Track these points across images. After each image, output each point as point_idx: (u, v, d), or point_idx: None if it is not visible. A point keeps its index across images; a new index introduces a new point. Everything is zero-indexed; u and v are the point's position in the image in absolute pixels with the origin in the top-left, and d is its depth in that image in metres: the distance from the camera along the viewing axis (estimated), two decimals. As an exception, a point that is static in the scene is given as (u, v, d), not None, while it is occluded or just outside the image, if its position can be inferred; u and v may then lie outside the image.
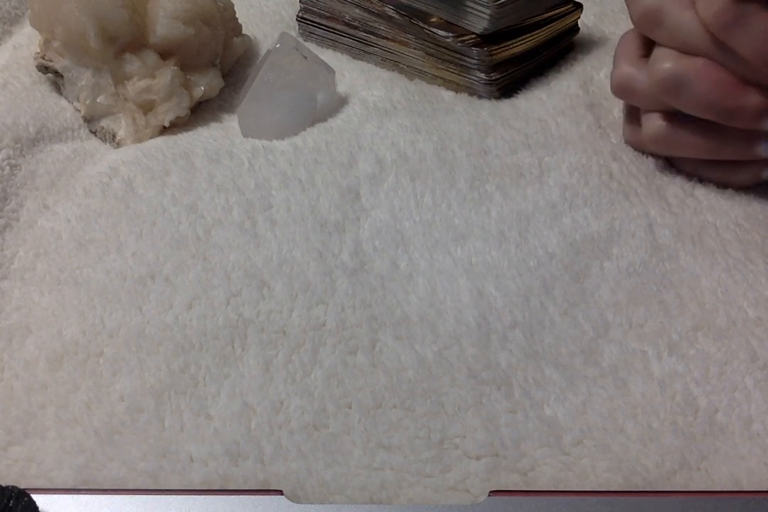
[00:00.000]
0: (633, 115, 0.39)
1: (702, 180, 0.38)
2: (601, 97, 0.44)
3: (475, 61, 0.43)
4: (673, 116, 0.36)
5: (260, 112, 0.41)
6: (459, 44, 0.43)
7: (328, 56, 0.47)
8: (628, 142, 0.40)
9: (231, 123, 0.43)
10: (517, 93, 0.45)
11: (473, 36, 0.43)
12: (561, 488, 0.27)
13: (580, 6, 0.47)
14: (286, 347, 0.31)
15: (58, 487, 0.26)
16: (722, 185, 0.38)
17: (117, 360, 0.30)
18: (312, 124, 0.42)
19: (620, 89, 0.38)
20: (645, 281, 0.33)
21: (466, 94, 0.45)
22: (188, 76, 0.42)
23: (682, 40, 0.34)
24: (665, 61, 0.35)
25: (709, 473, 0.27)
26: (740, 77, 0.34)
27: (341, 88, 0.45)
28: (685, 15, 0.34)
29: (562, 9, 0.46)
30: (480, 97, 0.44)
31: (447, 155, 0.39)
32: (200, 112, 0.44)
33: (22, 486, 0.24)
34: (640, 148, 0.40)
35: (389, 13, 0.45)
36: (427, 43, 0.45)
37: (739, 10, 0.32)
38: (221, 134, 0.42)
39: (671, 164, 0.39)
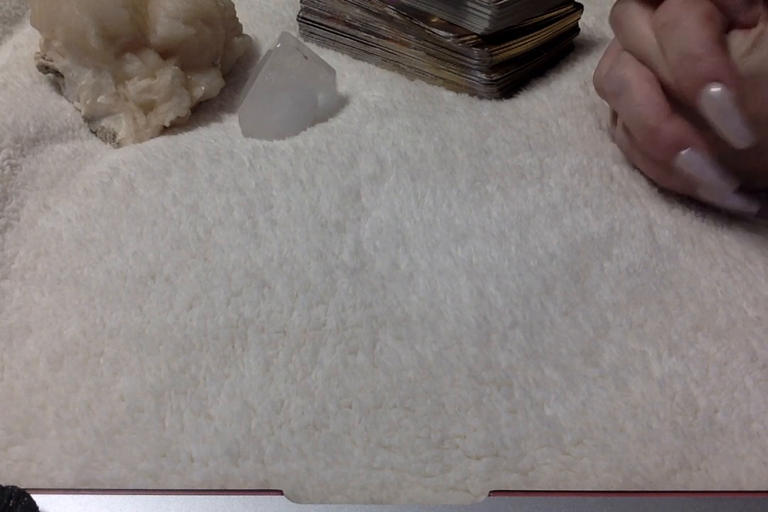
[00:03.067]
0: (613, 115, 0.40)
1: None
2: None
3: (475, 62, 0.43)
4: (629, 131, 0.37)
5: (261, 112, 0.41)
6: (460, 45, 0.43)
7: (329, 56, 0.47)
8: (615, 142, 0.41)
9: (231, 123, 0.43)
10: (518, 93, 0.45)
11: (474, 36, 0.43)
12: (561, 488, 0.27)
13: (580, 7, 0.47)
14: (286, 347, 0.31)
15: (58, 487, 0.26)
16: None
17: (117, 360, 0.30)
18: (313, 124, 0.42)
19: (597, 87, 0.39)
20: (645, 281, 0.33)
21: (466, 95, 0.45)
22: (189, 76, 0.42)
23: (633, 45, 0.35)
24: (619, 65, 0.35)
25: (709, 473, 0.27)
26: (673, 105, 0.33)
27: (342, 88, 0.45)
28: (640, 20, 0.34)
29: (562, 10, 0.46)
30: (481, 97, 0.44)
31: (448, 155, 0.39)
32: (201, 112, 0.44)
33: (22, 486, 0.24)
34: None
35: (390, 14, 0.45)
36: (428, 44, 0.45)
37: (676, 13, 0.32)
38: (222, 134, 0.42)
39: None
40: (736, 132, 0.31)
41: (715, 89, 0.31)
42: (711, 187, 0.33)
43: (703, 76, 0.31)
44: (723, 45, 0.32)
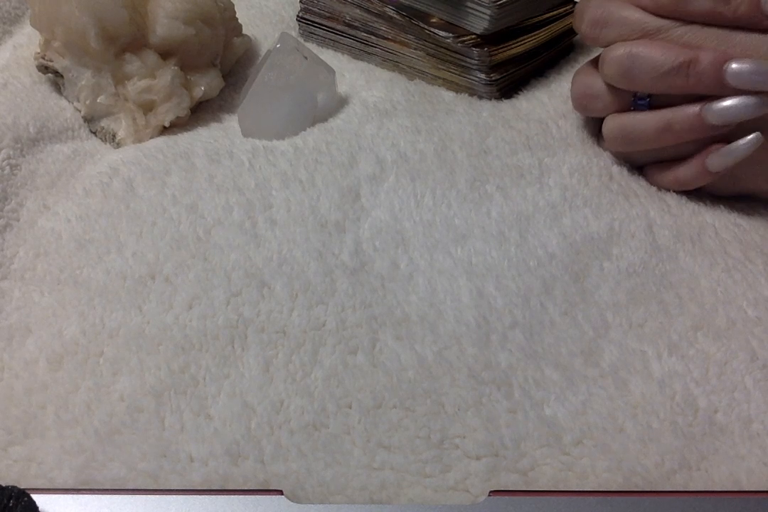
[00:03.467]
0: (598, 123, 0.40)
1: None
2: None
3: (475, 62, 0.43)
4: (625, 112, 0.37)
5: (260, 112, 0.41)
6: (459, 45, 0.43)
7: (329, 56, 0.47)
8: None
9: (231, 123, 0.43)
10: (518, 93, 0.45)
11: (473, 36, 0.43)
12: (561, 488, 0.27)
13: (580, 6, 0.47)
14: (286, 347, 0.31)
15: (58, 487, 0.26)
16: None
17: (117, 360, 0.30)
18: (312, 124, 0.42)
19: (578, 97, 0.39)
20: (645, 281, 0.33)
21: (466, 95, 0.45)
22: (188, 76, 0.42)
23: (628, 33, 0.36)
24: (613, 49, 0.36)
25: (709, 473, 0.27)
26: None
27: (341, 88, 0.45)
28: (627, 10, 0.36)
29: (562, 9, 0.46)
30: (480, 97, 0.44)
31: (447, 155, 0.39)
32: (200, 112, 0.44)
33: (22, 486, 0.24)
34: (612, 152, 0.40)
35: (390, 14, 0.45)
36: (428, 44, 0.45)
37: None
38: (221, 134, 0.42)
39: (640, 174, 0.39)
40: None
41: (736, 66, 0.33)
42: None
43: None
44: None
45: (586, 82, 0.38)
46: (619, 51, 0.36)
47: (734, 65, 0.33)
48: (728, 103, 0.34)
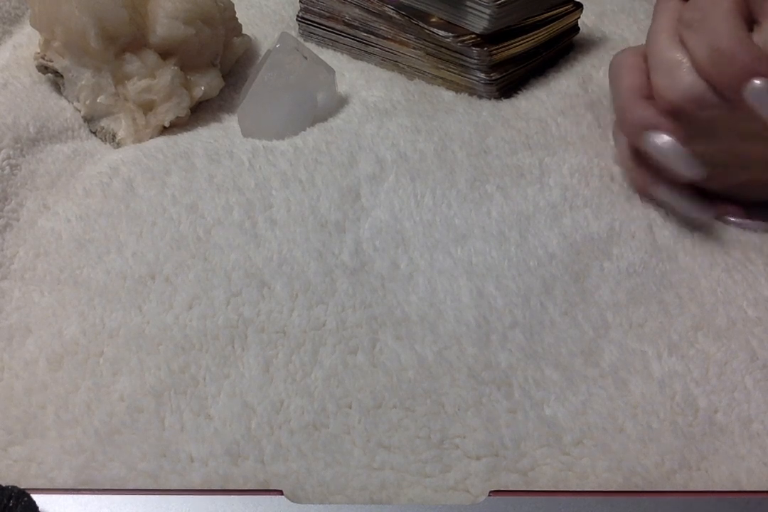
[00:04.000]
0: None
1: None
2: (601, 96, 0.44)
3: (475, 61, 0.43)
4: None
5: (260, 112, 0.41)
6: (459, 44, 0.43)
7: (328, 56, 0.47)
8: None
9: (231, 123, 0.43)
10: (518, 93, 0.45)
11: (473, 36, 0.43)
12: (561, 488, 0.27)
13: (580, 6, 0.47)
14: (286, 347, 0.31)
15: (58, 487, 0.26)
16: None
17: (117, 360, 0.30)
18: (312, 124, 0.42)
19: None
20: (645, 281, 0.33)
21: (466, 94, 0.45)
22: (188, 76, 0.42)
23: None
24: (626, 51, 0.37)
25: (709, 473, 0.27)
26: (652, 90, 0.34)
27: (341, 88, 0.45)
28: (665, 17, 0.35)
29: (562, 9, 0.46)
30: (480, 97, 0.44)
31: (447, 155, 0.39)
32: (200, 112, 0.44)
33: (22, 486, 0.24)
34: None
35: (389, 13, 0.45)
36: (427, 43, 0.45)
37: (702, 9, 0.32)
38: (221, 134, 0.42)
39: None
40: None
41: (760, 83, 0.31)
42: (678, 166, 0.33)
43: (745, 71, 0.31)
44: (750, 37, 0.32)
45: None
46: (617, 57, 0.36)
47: (652, 135, 0.33)
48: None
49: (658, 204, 0.37)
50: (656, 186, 0.35)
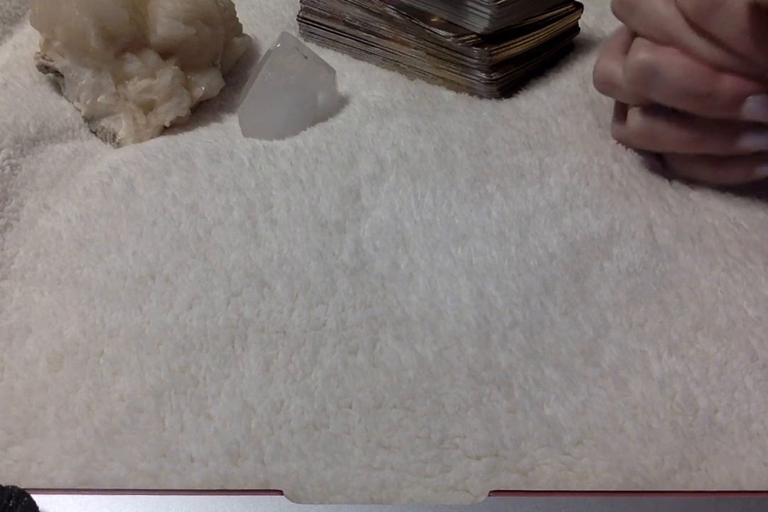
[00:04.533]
0: (619, 111, 0.39)
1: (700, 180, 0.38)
2: (601, 95, 0.44)
3: (475, 61, 0.43)
4: (655, 110, 0.36)
5: (261, 112, 0.41)
6: (459, 44, 0.43)
7: (329, 56, 0.47)
8: (615, 138, 0.40)
9: (231, 123, 0.43)
10: (518, 93, 0.45)
11: (474, 36, 0.43)
12: (561, 488, 0.27)
13: (580, 6, 0.47)
14: (286, 347, 0.31)
15: (58, 487, 0.26)
16: (721, 185, 0.38)
17: (117, 360, 0.30)
18: (312, 124, 0.42)
19: (600, 82, 0.38)
20: (645, 281, 0.33)
21: (466, 94, 0.45)
22: (189, 76, 0.42)
23: (654, 26, 0.34)
24: (639, 52, 0.35)
25: (709, 473, 0.27)
26: (713, 65, 0.33)
27: (342, 88, 0.45)
28: (657, 3, 0.34)
29: (562, 9, 0.46)
30: (480, 97, 0.44)
31: (447, 155, 0.39)
32: (201, 112, 0.44)
33: (22, 486, 0.24)
34: (627, 144, 0.40)
35: (390, 13, 0.45)
36: (428, 43, 0.45)
37: None
38: (222, 134, 0.42)
39: (665, 165, 0.39)
40: None
41: (754, 100, 0.32)
42: None
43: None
44: None
45: (608, 67, 0.37)
46: (642, 57, 0.34)
47: (751, 103, 0.33)
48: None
49: (659, 203, 0.37)
50: (752, 133, 0.34)
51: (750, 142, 0.34)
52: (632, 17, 0.36)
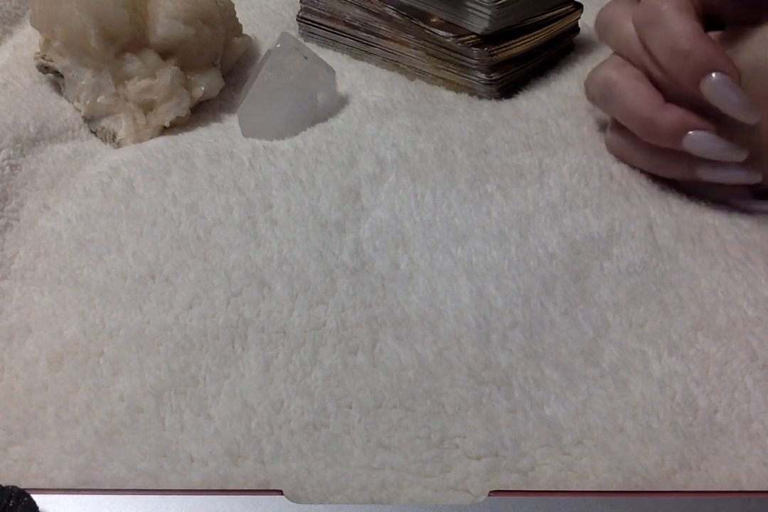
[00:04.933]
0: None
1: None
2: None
3: (475, 62, 0.43)
4: (623, 128, 0.37)
5: (260, 112, 0.41)
6: (459, 44, 0.43)
7: (329, 56, 0.47)
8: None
9: (231, 123, 0.43)
10: (518, 93, 0.45)
11: (473, 36, 0.43)
12: (561, 488, 0.27)
13: (580, 6, 0.47)
14: (286, 347, 0.31)
15: (58, 487, 0.26)
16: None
17: (117, 360, 0.30)
18: (312, 124, 0.42)
19: (586, 92, 0.39)
20: (645, 281, 0.33)
21: (466, 95, 0.45)
22: (188, 76, 0.42)
23: (622, 45, 0.36)
24: (605, 67, 0.36)
25: (709, 473, 0.27)
26: (666, 95, 0.34)
27: (342, 88, 0.45)
28: (625, 21, 0.35)
29: (562, 9, 0.46)
30: (480, 97, 0.44)
31: (447, 155, 0.39)
32: (201, 112, 0.44)
33: (22, 486, 0.24)
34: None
35: (390, 14, 0.45)
36: (428, 44, 0.45)
37: (653, 8, 0.33)
38: (221, 134, 0.42)
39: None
40: (744, 110, 0.32)
41: (715, 78, 0.32)
42: (723, 157, 0.34)
43: (699, 68, 0.32)
44: (705, 32, 0.32)
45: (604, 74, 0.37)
46: (605, 74, 0.36)
47: (691, 137, 0.33)
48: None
49: (659, 203, 0.37)
50: (707, 166, 0.35)
51: (706, 174, 0.35)
52: (607, 36, 0.37)
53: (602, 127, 0.42)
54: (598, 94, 0.37)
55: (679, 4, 0.32)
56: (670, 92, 0.34)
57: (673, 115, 0.34)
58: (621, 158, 0.39)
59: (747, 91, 0.32)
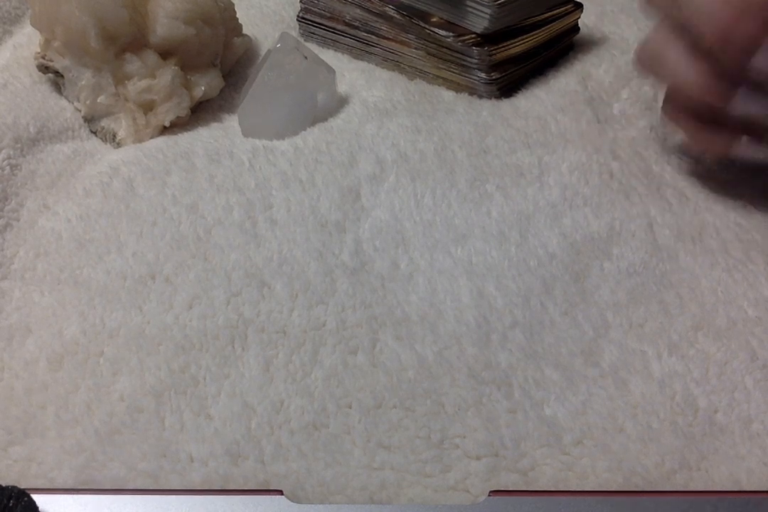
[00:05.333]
0: None
1: (699, 176, 0.38)
2: (600, 91, 0.44)
3: (475, 61, 0.43)
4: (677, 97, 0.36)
5: (260, 112, 0.41)
6: (459, 44, 0.43)
7: (329, 56, 0.47)
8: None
9: (231, 123, 0.43)
10: (518, 92, 0.45)
11: (474, 36, 0.43)
12: (561, 488, 0.27)
13: (580, 6, 0.47)
14: (286, 347, 0.31)
15: (58, 487, 0.26)
16: (722, 185, 0.38)
17: (117, 360, 0.30)
18: (312, 124, 0.42)
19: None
20: (645, 281, 0.33)
21: (466, 94, 0.45)
22: (188, 76, 0.42)
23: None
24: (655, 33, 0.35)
25: (709, 473, 0.27)
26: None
27: (342, 88, 0.45)
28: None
29: (562, 9, 0.46)
30: (480, 96, 0.44)
31: (447, 155, 0.39)
32: (201, 112, 0.44)
33: (22, 486, 0.24)
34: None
35: (390, 13, 0.45)
36: (428, 43, 0.45)
37: None
38: (221, 134, 0.42)
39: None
40: None
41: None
42: None
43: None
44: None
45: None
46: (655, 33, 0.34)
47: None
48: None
49: (659, 202, 0.37)
50: (746, 141, 0.34)
51: (743, 149, 0.34)
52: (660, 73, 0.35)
53: (601, 120, 0.42)
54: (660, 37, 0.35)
55: None
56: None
57: (749, 25, 0.31)
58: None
59: None
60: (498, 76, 0.44)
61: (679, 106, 0.36)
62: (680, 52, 0.34)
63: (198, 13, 0.42)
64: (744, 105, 0.33)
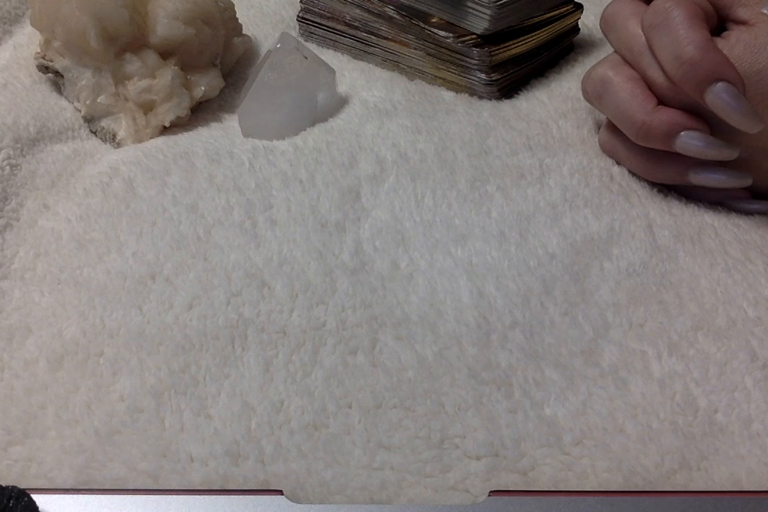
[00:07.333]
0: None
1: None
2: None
3: (475, 62, 0.43)
4: (616, 129, 0.37)
5: (260, 112, 0.41)
6: (459, 45, 0.43)
7: (329, 56, 0.47)
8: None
9: (231, 123, 0.43)
10: (518, 94, 0.45)
11: (474, 36, 0.43)
12: (561, 488, 0.27)
13: (580, 7, 0.47)
14: (286, 347, 0.31)
15: (58, 487, 0.26)
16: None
17: (117, 360, 0.30)
18: (312, 124, 0.42)
19: (582, 90, 0.39)
20: (645, 281, 0.33)
21: (466, 95, 0.45)
22: (189, 76, 0.42)
23: (624, 45, 0.35)
24: (603, 66, 0.36)
25: (709, 473, 0.27)
26: (661, 98, 0.34)
27: (342, 88, 0.45)
28: (630, 21, 0.35)
29: (562, 10, 0.46)
30: (480, 97, 0.44)
31: (448, 156, 0.39)
32: (201, 112, 0.44)
33: (22, 486, 0.24)
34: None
35: (390, 14, 0.45)
36: (428, 44, 0.45)
37: (663, 12, 0.32)
38: (222, 134, 0.42)
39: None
40: (747, 119, 0.32)
41: (721, 87, 0.32)
42: (716, 156, 0.34)
43: (705, 77, 0.31)
44: (713, 41, 0.32)
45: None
46: (602, 72, 0.36)
47: (683, 138, 0.33)
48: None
49: (658, 203, 0.37)
50: (698, 168, 0.35)
51: (696, 178, 0.35)
52: (610, 34, 0.37)
53: (601, 127, 0.42)
54: (593, 92, 0.37)
55: (690, 10, 0.32)
56: (665, 96, 0.34)
57: (665, 115, 0.33)
58: (614, 160, 0.39)
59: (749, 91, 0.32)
60: (498, 76, 0.44)
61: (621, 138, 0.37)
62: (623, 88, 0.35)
63: (198, 13, 0.42)
64: (696, 178, 0.35)
